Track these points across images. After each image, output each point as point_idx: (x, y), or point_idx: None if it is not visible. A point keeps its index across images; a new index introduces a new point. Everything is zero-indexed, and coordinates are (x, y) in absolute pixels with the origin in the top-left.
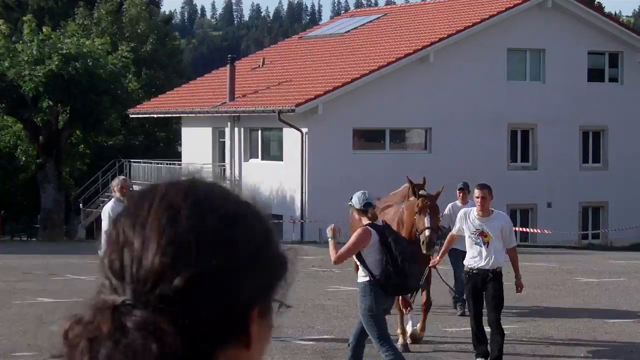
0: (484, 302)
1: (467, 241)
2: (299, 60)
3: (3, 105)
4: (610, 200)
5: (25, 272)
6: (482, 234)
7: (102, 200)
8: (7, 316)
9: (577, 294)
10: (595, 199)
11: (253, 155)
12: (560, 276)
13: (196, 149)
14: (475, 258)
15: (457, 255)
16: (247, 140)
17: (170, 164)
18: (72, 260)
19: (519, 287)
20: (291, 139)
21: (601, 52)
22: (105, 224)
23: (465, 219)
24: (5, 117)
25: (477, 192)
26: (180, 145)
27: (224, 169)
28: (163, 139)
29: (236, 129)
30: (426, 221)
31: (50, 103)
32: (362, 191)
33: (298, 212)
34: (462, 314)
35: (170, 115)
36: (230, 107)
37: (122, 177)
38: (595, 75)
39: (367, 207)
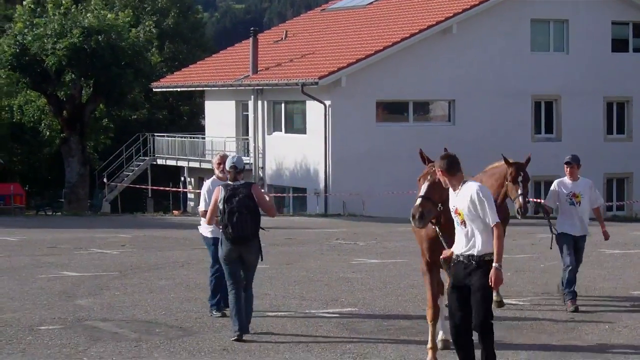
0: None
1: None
2: (321, 33)
3: (27, 79)
4: (635, 171)
5: (50, 246)
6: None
7: (127, 175)
8: (33, 290)
9: (602, 266)
10: (620, 170)
11: (276, 128)
12: (586, 248)
13: (220, 122)
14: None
15: (568, 241)
16: (270, 113)
17: (193, 138)
18: (97, 235)
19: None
20: (314, 111)
21: (625, 22)
22: (202, 203)
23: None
24: (29, 91)
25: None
26: (203, 118)
27: (248, 143)
28: (187, 113)
29: (259, 102)
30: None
31: (74, 77)
32: (232, 155)
33: (322, 185)
34: (576, 309)
35: (193, 89)
36: (253, 80)
37: (221, 153)
38: (619, 45)
39: (231, 169)
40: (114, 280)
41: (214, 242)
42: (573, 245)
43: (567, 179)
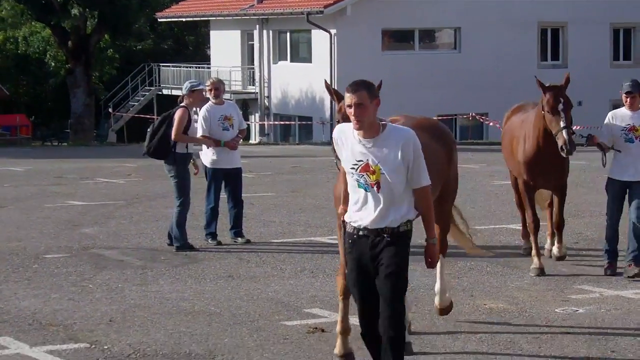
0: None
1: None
2: None
3: (32, 11)
4: None
5: (56, 176)
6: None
7: (132, 105)
8: (39, 219)
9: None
10: None
11: (282, 57)
12: (590, 174)
13: (225, 52)
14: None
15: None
16: (275, 43)
17: (199, 68)
18: (103, 164)
19: None
20: (320, 40)
21: None
22: (200, 129)
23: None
24: (33, 22)
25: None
26: (209, 48)
27: (253, 72)
28: (192, 43)
29: (265, 32)
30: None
31: (80, 10)
32: (190, 80)
33: (327, 114)
34: (637, 275)
35: (198, 18)
36: (258, 9)
37: (213, 78)
38: None
39: (189, 92)
40: (119, 209)
41: (209, 172)
42: (622, 195)
43: (624, 110)
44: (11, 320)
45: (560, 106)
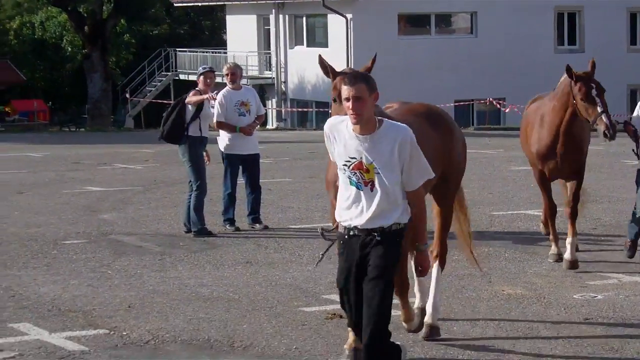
0: None
1: None
2: None
3: None
4: None
5: (74, 161)
6: None
7: (149, 90)
8: (58, 205)
9: (625, 177)
10: None
11: (298, 42)
12: (607, 159)
13: (241, 37)
14: None
15: None
16: (292, 27)
17: (215, 53)
18: (120, 150)
19: None
20: (336, 25)
21: None
22: (216, 113)
23: None
24: (50, 7)
25: None
26: (225, 33)
27: (270, 57)
28: (208, 28)
29: (281, 16)
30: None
31: None
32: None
33: None
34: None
35: (214, 3)
36: None
37: (230, 63)
38: None
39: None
40: (137, 195)
41: (224, 157)
42: None
43: None
44: (30, 306)
45: (594, 92)
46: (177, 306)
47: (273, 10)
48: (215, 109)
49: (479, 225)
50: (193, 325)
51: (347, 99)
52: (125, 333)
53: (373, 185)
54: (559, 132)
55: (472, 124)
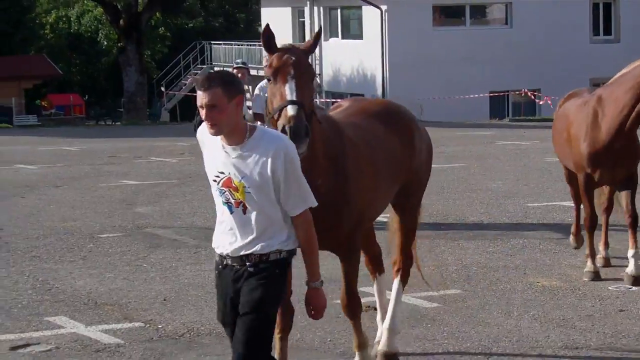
0: None
1: None
2: None
3: None
4: None
5: (110, 155)
6: None
7: (184, 83)
8: (94, 198)
9: None
10: None
11: (333, 34)
12: None
13: (276, 29)
14: None
15: None
16: (326, 19)
17: (250, 45)
18: (156, 143)
19: None
20: (371, 16)
21: None
22: (253, 105)
23: None
24: (85, 1)
25: None
26: (260, 26)
27: None
28: (243, 20)
29: (315, 8)
30: None
31: None
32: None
33: (379, 90)
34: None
35: None
36: None
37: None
38: None
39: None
40: (173, 188)
41: None
42: None
43: None
44: (67, 299)
45: None
46: (212, 299)
47: (308, 2)
48: (254, 101)
49: (514, 217)
50: None
51: (201, 107)
52: (160, 326)
53: (245, 207)
54: (622, 130)
55: (508, 115)
